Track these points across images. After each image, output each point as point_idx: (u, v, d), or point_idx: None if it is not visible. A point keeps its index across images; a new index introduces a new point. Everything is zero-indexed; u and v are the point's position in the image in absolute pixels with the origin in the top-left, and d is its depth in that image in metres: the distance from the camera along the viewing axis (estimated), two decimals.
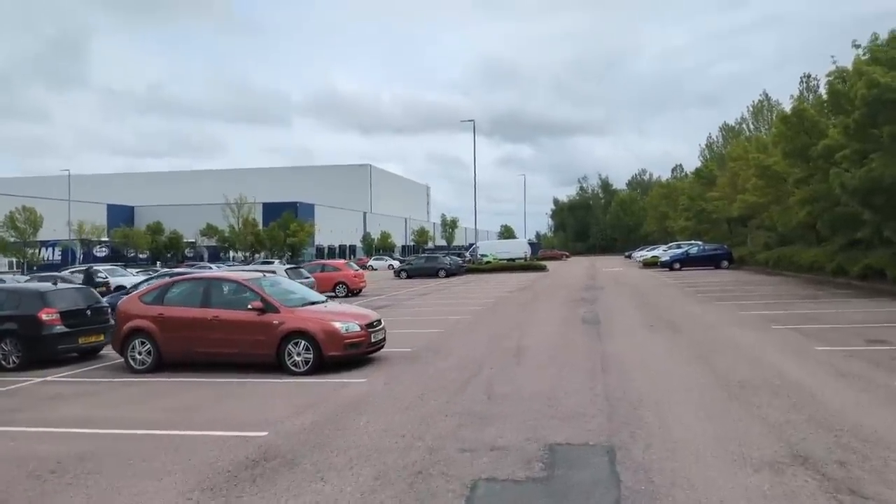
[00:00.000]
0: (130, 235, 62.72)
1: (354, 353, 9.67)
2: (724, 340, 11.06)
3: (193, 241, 79.99)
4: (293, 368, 9.40)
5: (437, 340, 12.37)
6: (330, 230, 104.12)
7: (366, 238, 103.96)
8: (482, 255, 56.32)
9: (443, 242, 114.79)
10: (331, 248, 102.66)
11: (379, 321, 10.47)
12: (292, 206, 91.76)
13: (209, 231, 73.99)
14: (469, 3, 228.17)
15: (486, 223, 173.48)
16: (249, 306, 9.64)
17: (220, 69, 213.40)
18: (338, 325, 9.56)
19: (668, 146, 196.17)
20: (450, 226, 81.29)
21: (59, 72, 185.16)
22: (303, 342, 9.40)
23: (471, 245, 66.99)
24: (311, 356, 9.35)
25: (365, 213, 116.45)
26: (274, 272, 18.25)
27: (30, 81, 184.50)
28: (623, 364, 9.21)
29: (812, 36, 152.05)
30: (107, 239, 65.06)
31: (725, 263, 37.64)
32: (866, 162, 18.03)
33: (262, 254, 76.63)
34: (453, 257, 45.61)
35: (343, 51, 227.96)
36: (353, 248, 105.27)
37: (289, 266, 20.38)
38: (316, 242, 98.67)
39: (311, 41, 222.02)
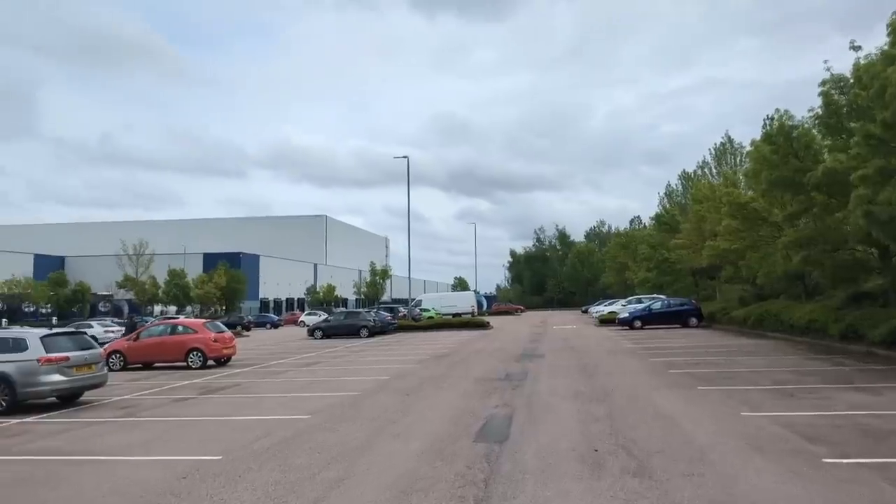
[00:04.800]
0: (20, 286, 54.20)
1: None
2: None
3: (109, 293, 71.73)
4: None
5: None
6: (276, 282, 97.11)
7: (310, 291, 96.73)
8: (422, 310, 49.90)
9: (400, 296, 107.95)
10: (276, 301, 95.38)
11: None
12: (235, 257, 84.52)
13: (126, 283, 65.88)
14: (422, 61, 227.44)
15: (445, 276, 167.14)
16: None
17: (173, 121, 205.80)
18: None
19: (623, 201, 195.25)
20: (380, 276, 73.22)
21: (7, 121, 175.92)
22: None
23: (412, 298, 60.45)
24: None
25: (316, 265, 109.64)
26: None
27: None
28: None
29: (750, 98, 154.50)
30: None
31: (694, 321, 32.06)
32: None
33: (189, 308, 69.09)
34: (382, 313, 39.08)
35: (298, 105, 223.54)
36: (300, 302, 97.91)
37: (62, 330, 13.58)
38: (260, 295, 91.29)
39: (265, 95, 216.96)
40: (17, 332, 12.69)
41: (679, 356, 17.80)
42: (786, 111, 21.06)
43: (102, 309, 72.14)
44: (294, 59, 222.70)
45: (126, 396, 13.61)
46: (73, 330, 13.91)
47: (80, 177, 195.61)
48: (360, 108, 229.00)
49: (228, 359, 20.46)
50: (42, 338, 11.92)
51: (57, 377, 11.72)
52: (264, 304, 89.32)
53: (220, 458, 7.49)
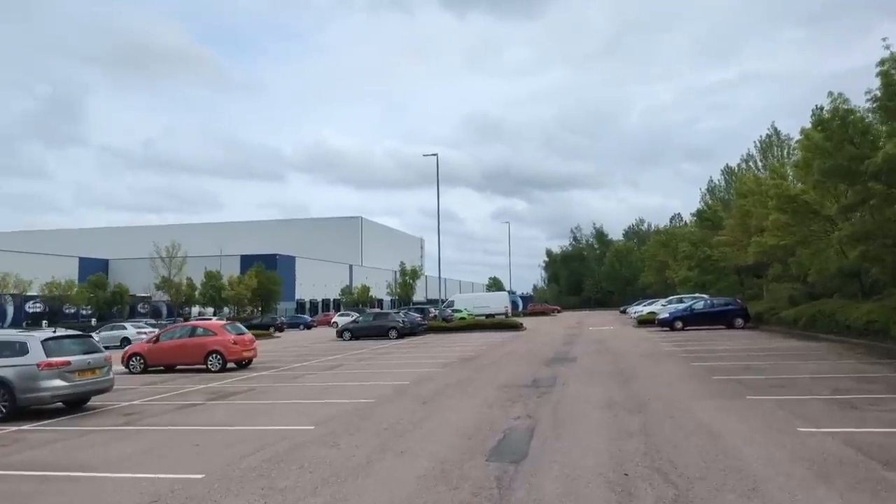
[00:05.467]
0: (60, 289, 55.27)
1: None
2: None
3: (149, 295, 72.89)
4: None
5: None
6: (312, 283, 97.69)
7: (345, 292, 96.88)
8: (454, 311, 49.00)
9: (435, 296, 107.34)
10: (313, 302, 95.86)
11: None
12: (271, 259, 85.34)
13: (164, 284, 66.74)
14: (455, 61, 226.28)
15: (481, 277, 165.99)
16: None
17: (213, 126, 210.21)
18: None
19: (663, 199, 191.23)
20: (410, 276, 71.19)
21: (55, 129, 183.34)
22: None
23: (440, 299, 59.56)
24: None
25: (351, 266, 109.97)
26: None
27: (28, 139, 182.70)
28: None
29: (795, 92, 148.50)
30: (36, 294, 57.71)
31: (740, 322, 30.31)
32: None
33: (226, 309, 69.71)
34: (412, 314, 38.34)
35: (332, 107, 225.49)
36: (336, 303, 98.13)
37: (65, 333, 13.01)
38: (297, 296, 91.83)
39: (300, 99, 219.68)
40: (17, 334, 12.26)
41: (724, 360, 16.49)
42: (840, 94, 19.50)
43: (141, 310, 73.31)
44: (327, 61, 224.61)
45: (135, 402, 13.07)
46: (77, 333, 13.42)
47: (124, 182, 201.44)
48: (395, 109, 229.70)
49: (249, 361, 19.93)
50: (43, 341, 11.41)
51: (58, 382, 11.19)
52: (300, 305, 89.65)
53: (202, 476, 6.71)
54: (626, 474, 6.19)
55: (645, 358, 18.02)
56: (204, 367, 18.74)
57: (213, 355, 18.63)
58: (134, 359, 19.10)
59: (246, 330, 20.66)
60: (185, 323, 23.95)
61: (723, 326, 30.34)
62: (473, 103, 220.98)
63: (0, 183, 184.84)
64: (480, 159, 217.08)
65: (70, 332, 13.41)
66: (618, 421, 8.92)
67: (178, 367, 19.41)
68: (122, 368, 19.52)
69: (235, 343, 18.91)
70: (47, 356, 11.22)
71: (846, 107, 19.17)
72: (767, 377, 12.94)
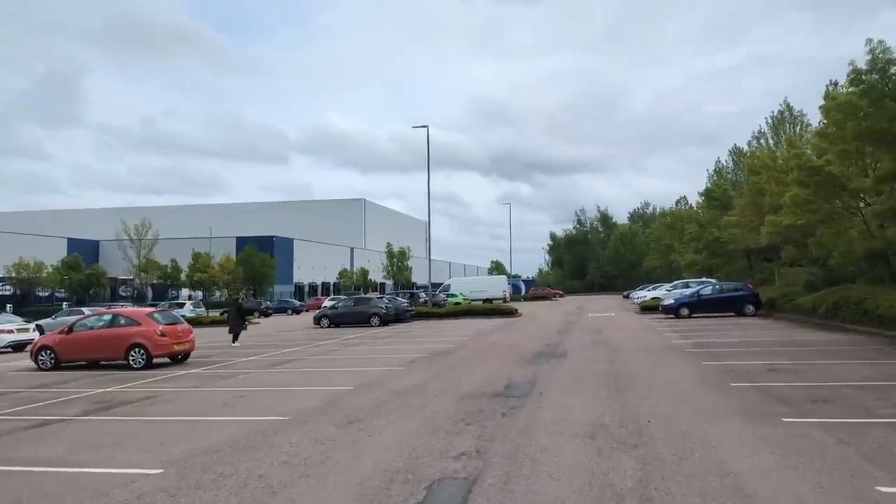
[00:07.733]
0: (28, 270, 52.57)
1: None
2: None
3: (130, 277, 70.10)
4: None
5: None
6: (311, 266, 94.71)
7: (343, 275, 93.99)
8: (449, 296, 46.16)
9: (438, 279, 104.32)
10: (312, 286, 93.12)
11: None
12: (268, 241, 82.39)
13: (147, 266, 63.99)
14: (460, 44, 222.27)
15: (486, 261, 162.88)
16: None
17: (215, 107, 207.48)
18: None
19: (668, 184, 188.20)
20: (398, 258, 66.92)
21: (52, 109, 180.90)
22: None
23: (431, 284, 56.63)
24: None
25: (352, 249, 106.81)
26: None
27: (25, 119, 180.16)
28: None
29: (802, 76, 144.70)
30: (2, 275, 55.08)
31: (751, 309, 27.45)
32: None
33: (219, 293, 67.14)
34: (398, 299, 35.48)
35: (338, 90, 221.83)
36: (336, 286, 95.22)
37: None
38: (295, 279, 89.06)
39: (304, 81, 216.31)
40: None
41: (742, 358, 13.57)
42: (880, 42, 16.38)
43: (123, 293, 70.63)
44: (332, 43, 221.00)
45: None
46: None
47: (124, 163, 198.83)
48: (400, 92, 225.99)
49: (186, 355, 17.08)
50: None
51: None
52: (299, 289, 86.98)
53: None
54: None
55: (647, 354, 15.12)
56: (125, 363, 15.89)
57: (136, 349, 15.74)
58: (43, 353, 16.21)
59: (181, 319, 17.80)
60: (106, 310, 21.00)
61: (732, 314, 27.52)
62: (479, 87, 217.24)
63: None
64: (486, 143, 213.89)
65: None
66: (603, 464, 6.03)
67: (101, 362, 16.61)
68: (31, 364, 16.76)
69: (163, 335, 16.01)
70: None
71: (889, 56, 16.07)
72: (802, 384, 10.04)
